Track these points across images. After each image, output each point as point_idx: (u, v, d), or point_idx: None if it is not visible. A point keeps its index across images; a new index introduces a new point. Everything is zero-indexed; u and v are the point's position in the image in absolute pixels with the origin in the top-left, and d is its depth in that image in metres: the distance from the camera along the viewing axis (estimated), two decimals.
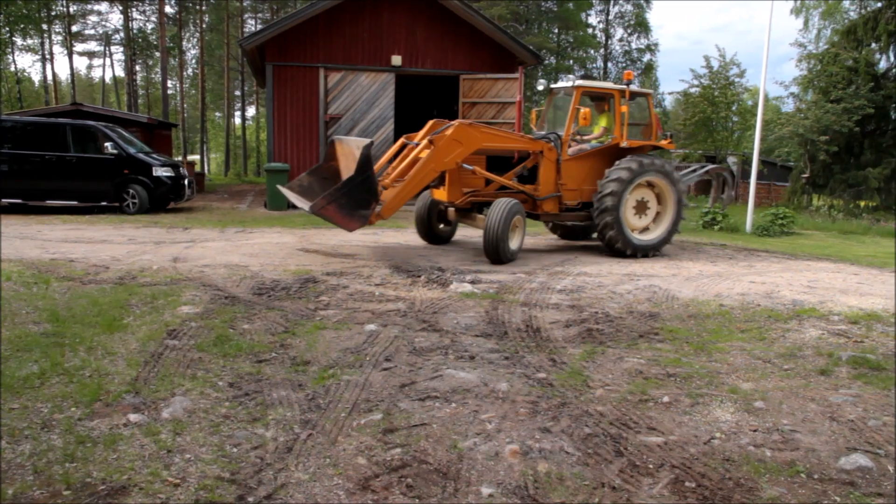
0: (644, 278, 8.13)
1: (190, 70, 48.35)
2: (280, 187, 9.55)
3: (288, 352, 4.82)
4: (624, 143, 10.00)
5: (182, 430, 3.42)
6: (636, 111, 10.61)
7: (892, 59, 24.59)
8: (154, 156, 14.77)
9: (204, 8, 40.50)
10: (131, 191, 13.72)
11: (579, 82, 10.00)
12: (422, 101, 21.80)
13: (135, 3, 38.57)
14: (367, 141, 8.62)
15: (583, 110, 9.33)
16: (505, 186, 9.77)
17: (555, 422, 3.61)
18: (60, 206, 13.96)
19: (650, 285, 7.62)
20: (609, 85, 10.53)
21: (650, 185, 10.08)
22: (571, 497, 2.85)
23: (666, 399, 4.00)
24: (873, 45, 24.03)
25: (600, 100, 10.40)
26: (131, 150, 13.92)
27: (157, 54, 39.19)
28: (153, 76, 50.11)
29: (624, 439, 3.42)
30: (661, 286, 7.59)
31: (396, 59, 16.52)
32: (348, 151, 9.13)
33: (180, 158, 29.66)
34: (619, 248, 9.85)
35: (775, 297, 7.08)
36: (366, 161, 7.82)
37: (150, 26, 42.18)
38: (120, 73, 49.10)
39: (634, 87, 10.22)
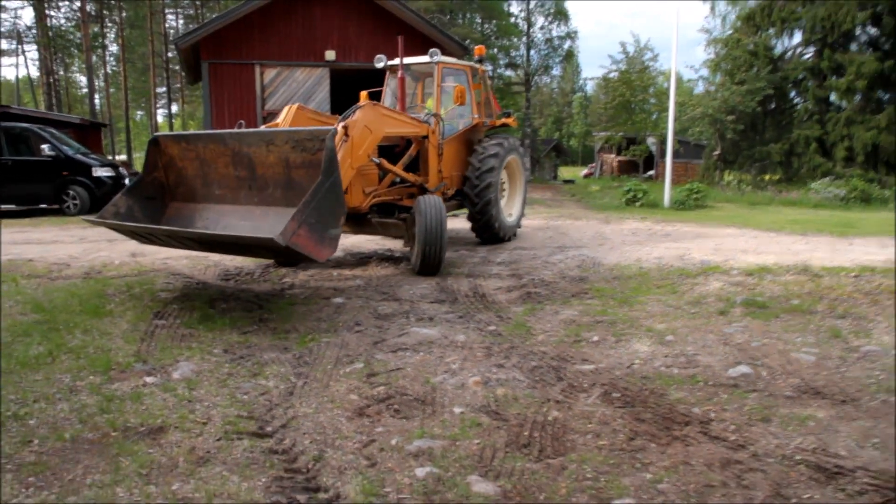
0: (573, 249, 9.07)
1: (109, 68, 46.80)
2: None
3: (268, 324, 5.43)
4: (486, 122, 9.52)
5: (195, 385, 4.02)
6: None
7: (786, 43, 26.66)
8: (93, 156, 14.78)
9: (123, 4, 39.32)
10: (71, 192, 13.75)
11: (439, 58, 8.92)
12: (356, 94, 22.24)
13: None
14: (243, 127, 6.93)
15: (457, 87, 8.55)
16: (395, 182, 8.22)
17: (507, 360, 4.41)
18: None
19: (579, 255, 8.55)
20: (464, 62, 9.91)
21: (506, 165, 9.64)
22: (525, 409, 3.63)
23: (595, 339, 4.86)
24: (770, 30, 25.98)
25: (449, 77, 9.34)
26: (69, 152, 13.94)
27: (75, 52, 37.91)
28: (70, 75, 48.29)
29: (563, 368, 4.24)
30: (589, 255, 8.52)
31: (330, 54, 16.98)
32: (183, 154, 6.55)
33: (121, 157, 29.03)
34: (497, 229, 9.31)
35: (686, 259, 8.12)
36: (332, 157, 5.33)
37: (64, 23, 40.69)
38: (34, 72, 47.12)
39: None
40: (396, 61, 9.15)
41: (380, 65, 9.36)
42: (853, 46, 24.52)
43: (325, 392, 3.91)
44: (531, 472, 2.94)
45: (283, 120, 7.27)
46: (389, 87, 9.73)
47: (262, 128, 7.23)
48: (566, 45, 41.86)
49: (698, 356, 4.45)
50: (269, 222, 5.85)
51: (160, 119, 53.55)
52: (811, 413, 3.50)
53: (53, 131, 14.82)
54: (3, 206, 13.75)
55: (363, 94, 9.21)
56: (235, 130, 6.57)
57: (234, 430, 3.39)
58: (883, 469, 2.89)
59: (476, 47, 9.90)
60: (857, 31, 24.36)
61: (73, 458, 3.07)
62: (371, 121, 7.16)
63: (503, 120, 10.06)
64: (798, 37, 26.17)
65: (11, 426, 3.40)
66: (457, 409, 3.63)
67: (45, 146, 13.66)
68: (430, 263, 7.23)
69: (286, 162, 5.83)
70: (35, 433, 3.32)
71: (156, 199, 6.72)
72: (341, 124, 6.75)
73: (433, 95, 9.27)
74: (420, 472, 2.93)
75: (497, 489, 2.78)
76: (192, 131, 7.17)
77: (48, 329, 5.13)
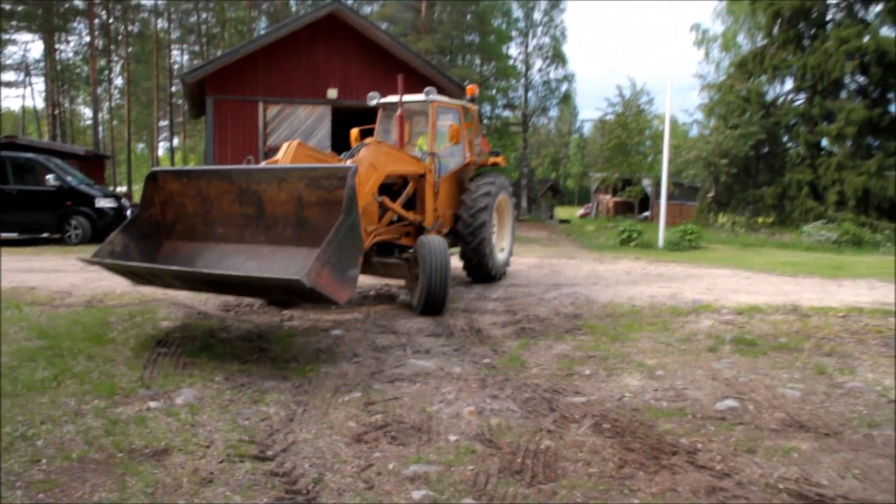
0: (567, 286, 9.22)
1: (113, 101, 47.44)
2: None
3: (267, 354, 5.54)
4: (477, 161, 9.63)
5: (197, 411, 4.12)
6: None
7: (777, 89, 27.32)
8: (96, 187, 15.01)
9: (129, 39, 40.14)
10: (74, 222, 13.93)
11: (434, 97, 8.92)
12: (368, 134, 22.66)
13: (58, 33, 37.86)
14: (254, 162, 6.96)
15: (452, 126, 8.75)
16: (392, 221, 8.15)
17: (501, 391, 4.53)
18: (1, 238, 13.99)
19: (573, 292, 8.70)
20: (457, 101, 9.85)
21: (497, 204, 9.55)
22: (518, 438, 3.74)
23: (587, 372, 4.99)
24: (762, 77, 26.64)
25: (441, 115, 9.39)
26: (73, 182, 14.16)
27: (80, 85, 38.55)
28: (75, 107, 48.97)
29: (555, 400, 4.36)
30: (583, 292, 8.68)
31: (332, 92, 17.38)
32: (184, 190, 6.26)
33: (121, 189, 29.33)
34: (489, 268, 9.27)
35: (679, 298, 8.28)
36: (353, 195, 5.18)
37: (71, 56, 41.46)
38: (39, 103, 47.81)
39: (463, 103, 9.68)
40: (388, 99, 9.32)
41: (372, 102, 9.36)
42: (843, 94, 25.13)
43: (325, 419, 4.02)
44: (523, 496, 3.04)
45: (284, 156, 6.98)
46: (381, 125, 9.63)
47: (263, 164, 7.16)
48: (563, 88, 42.73)
49: (687, 390, 4.58)
50: (278, 262, 5.73)
51: (161, 152, 54.14)
52: (795, 445, 3.62)
53: (58, 161, 15.08)
54: (5, 235, 13.90)
55: (354, 131, 9.33)
56: (243, 167, 6.53)
57: (236, 453, 3.49)
58: (862, 498, 3.01)
59: (468, 86, 9.92)
60: (847, 80, 25.00)
61: (81, 476, 3.17)
62: (376, 159, 7.17)
63: (493, 159, 10.08)
64: (789, 83, 26.86)
65: (20, 446, 3.50)
66: (452, 437, 3.74)
67: (49, 176, 13.88)
68: (434, 304, 7.08)
69: (299, 200, 5.63)
70: (43, 453, 3.42)
71: (151, 237, 6.35)
72: (349, 161, 6.80)
73: (424, 133, 9.30)
74: (416, 494, 3.03)
75: None
76: (193, 167, 6.82)
77: (53, 354, 5.24)
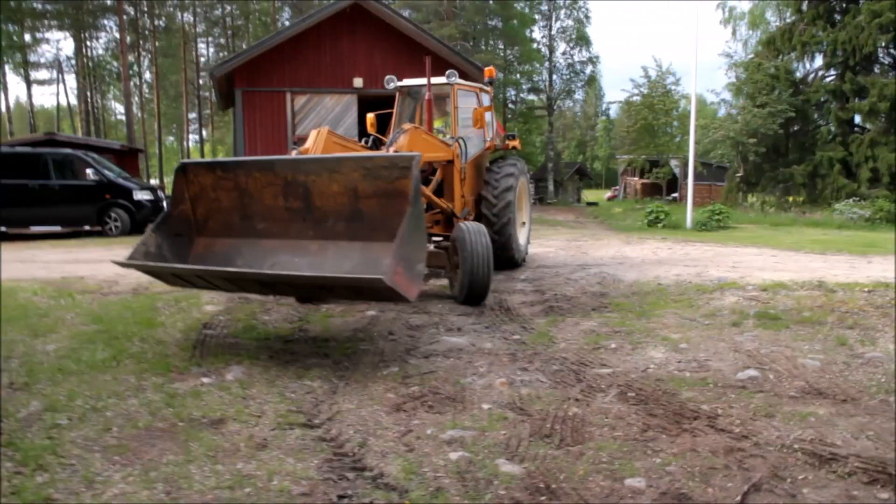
0: (594, 266, 9.40)
1: (143, 96, 48.36)
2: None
3: (308, 334, 5.85)
4: (500, 145, 9.52)
5: (247, 385, 4.43)
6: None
7: (807, 66, 26.88)
8: (133, 181, 15.51)
9: (157, 34, 40.88)
10: (113, 214, 14.44)
11: (456, 80, 8.88)
12: (384, 119, 22.95)
13: (88, 30, 38.73)
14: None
15: (476, 110, 8.68)
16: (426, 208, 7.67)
17: (530, 364, 4.77)
18: (44, 232, 14.57)
19: (600, 272, 8.88)
20: (476, 84, 9.89)
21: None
22: (547, 406, 3.98)
23: (613, 346, 5.20)
24: (791, 54, 26.22)
25: (461, 99, 9.24)
26: (111, 176, 14.67)
27: (110, 81, 39.41)
28: (107, 102, 50.07)
29: (582, 372, 4.58)
30: (609, 272, 8.85)
31: (358, 81, 17.64)
32: (218, 183, 5.82)
33: (153, 181, 30.09)
34: (513, 251, 9.17)
35: (704, 276, 8.41)
36: (419, 185, 4.97)
37: (101, 52, 42.41)
38: (72, 100, 49.01)
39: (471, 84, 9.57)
40: (407, 82, 9.31)
41: (391, 86, 9.33)
42: (875, 69, 24.64)
43: (365, 391, 4.30)
44: (552, 457, 3.28)
45: (315, 144, 6.81)
46: (399, 109, 9.48)
47: (294, 152, 7.11)
48: (588, 70, 42.40)
49: (709, 361, 4.76)
50: (330, 259, 5.42)
51: (191, 144, 55.11)
52: (812, 410, 3.80)
53: (96, 156, 15.59)
54: (49, 228, 14.47)
55: (370, 116, 9.19)
56: (287, 157, 6.25)
57: (286, 421, 3.79)
58: (873, 456, 3.18)
59: (486, 69, 9.75)
60: (880, 54, 24.50)
61: (149, 442, 3.49)
62: (416, 145, 6.98)
63: (510, 143, 10.04)
64: (819, 60, 26.42)
65: (91, 417, 3.83)
66: (485, 406, 3.99)
67: (89, 171, 14.40)
68: (478, 294, 6.81)
69: (354, 191, 5.25)
70: (112, 422, 3.75)
71: (182, 235, 5.92)
72: (392, 149, 6.68)
73: (441, 117, 9.20)
74: (453, 455, 3.29)
75: (522, 470, 3.13)
76: (229, 158, 6.05)
77: (109, 337, 5.60)
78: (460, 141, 8.56)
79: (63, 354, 5.10)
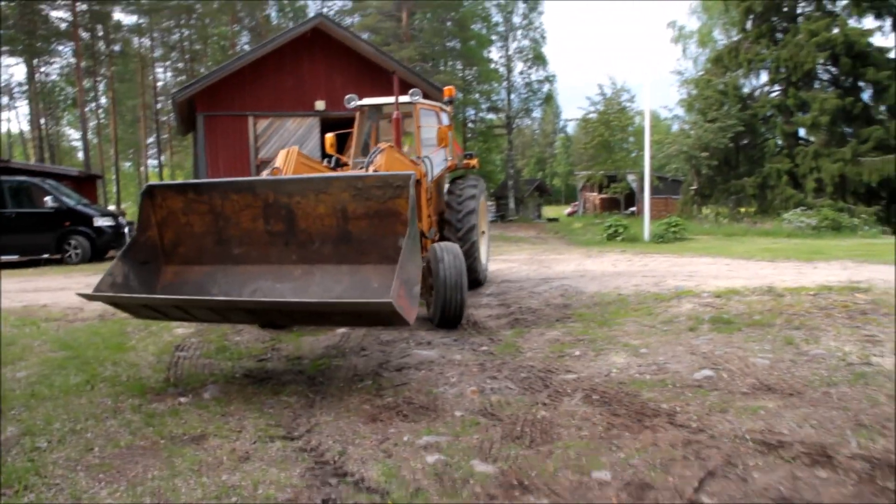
0: (557, 280, 9.69)
1: (98, 121, 47.63)
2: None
3: (280, 352, 5.96)
4: (460, 165, 9.51)
5: (225, 403, 4.53)
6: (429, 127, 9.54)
7: (753, 82, 28.05)
8: (92, 207, 15.33)
9: (112, 59, 40.41)
10: (73, 242, 14.26)
11: (418, 98, 8.76)
12: (343, 140, 23.11)
13: (41, 55, 38.07)
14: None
15: (441, 128, 8.62)
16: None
17: (499, 373, 4.97)
18: (2, 261, 14.28)
19: (562, 285, 9.16)
20: (436, 103, 9.81)
21: None
22: (517, 411, 4.17)
23: (577, 353, 5.44)
24: (738, 71, 27.34)
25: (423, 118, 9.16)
26: (71, 203, 14.49)
27: (63, 106, 38.74)
28: (59, 128, 49.08)
29: (549, 378, 4.80)
30: (572, 285, 9.14)
31: (320, 104, 17.81)
32: (189, 207, 5.46)
33: (110, 208, 29.56)
34: (478, 272, 9.08)
35: (662, 285, 8.75)
36: (415, 205, 4.79)
37: (55, 78, 41.68)
38: (24, 126, 47.91)
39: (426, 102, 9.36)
40: (366, 101, 9.21)
41: (351, 104, 9.11)
42: (816, 84, 25.84)
43: (341, 404, 4.44)
44: (524, 456, 3.48)
45: (286, 164, 6.67)
46: (360, 129, 9.29)
47: (265, 174, 6.66)
48: (545, 88, 43.31)
49: (668, 364, 5.03)
50: (316, 283, 5.19)
51: (148, 169, 54.32)
52: (762, 404, 4.08)
53: (54, 183, 15.38)
54: (6, 258, 14.19)
55: (329, 137, 9.04)
56: (269, 178, 5.89)
57: (266, 434, 3.91)
58: (816, 441, 3.46)
59: (446, 88, 9.74)
60: (819, 71, 25.71)
61: (132, 459, 3.58)
62: (392, 164, 6.91)
63: (468, 162, 10.03)
64: (764, 76, 27.59)
65: (71, 438, 3.89)
66: (458, 413, 4.17)
67: (47, 198, 14.21)
68: (452, 316, 6.58)
69: (342, 212, 5.04)
70: (93, 443, 3.82)
71: (149, 263, 5.52)
72: (371, 168, 6.63)
73: (404, 136, 8.86)
74: (430, 459, 3.46)
75: (496, 469, 3.32)
76: (202, 180, 5.43)
77: (81, 363, 5.62)
78: (426, 160, 8.60)
79: (35, 381, 5.11)
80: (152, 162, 52.87)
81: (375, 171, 6.50)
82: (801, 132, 26.72)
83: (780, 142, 26.88)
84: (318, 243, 5.23)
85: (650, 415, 3.99)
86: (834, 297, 7.28)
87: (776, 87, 26.97)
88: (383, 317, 4.42)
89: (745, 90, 28.00)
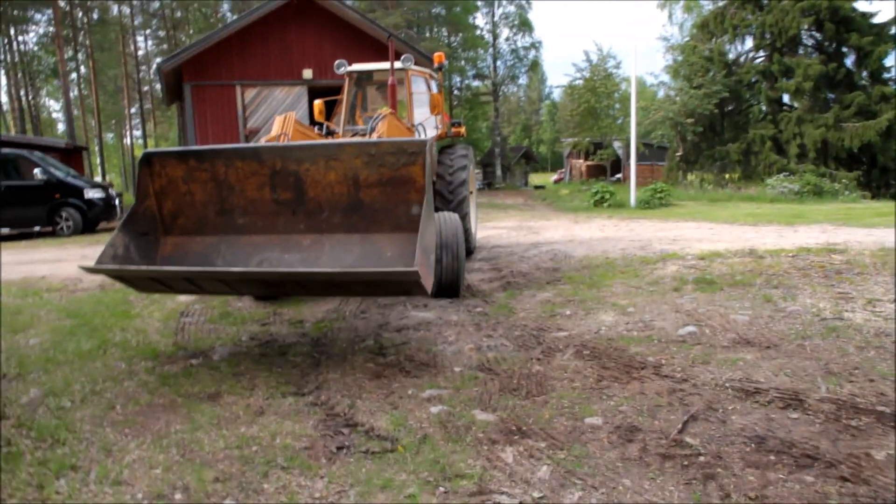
0: (546, 245, 9.95)
1: (79, 91, 46.94)
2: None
3: (282, 316, 6.18)
4: (449, 133, 9.35)
5: (234, 364, 4.76)
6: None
7: (738, 48, 28.16)
8: (82, 179, 15.32)
9: (93, 28, 39.66)
10: (64, 214, 14.29)
11: (410, 65, 8.63)
12: (331, 107, 23.06)
13: (18, 24, 37.29)
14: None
15: (433, 96, 8.54)
16: None
17: (494, 331, 5.23)
18: None
19: (551, 250, 9.42)
20: (426, 70, 9.75)
21: None
22: (512, 366, 4.44)
23: (568, 313, 5.71)
24: (724, 36, 27.42)
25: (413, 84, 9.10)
26: (60, 175, 14.49)
27: (43, 77, 38.11)
28: (40, 99, 48.29)
29: (542, 336, 5.07)
30: (561, 249, 9.40)
31: (307, 73, 17.76)
32: (190, 175, 5.20)
33: (96, 179, 29.37)
34: (469, 238, 8.84)
35: (648, 249, 9.04)
36: (430, 172, 4.77)
37: (34, 47, 40.90)
38: (2, 97, 47.09)
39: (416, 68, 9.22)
40: (356, 67, 9.15)
41: (341, 70, 9.02)
42: (800, 51, 26.00)
43: (346, 362, 4.68)
44: (521, 406, 3.75)
45: (283, 129, 6.45)
46: (349, 94, 9.16)
47: (262, 141, 6.36)
48: (531, 55, 43.12)
49: (654, 322, 5.32)
50: (326, 253, 5.06)
51: (132, 140, 53.69)
52: (741, 356, 4.38)
53: (42, 156, 15.33)
54: None
55: (318, 103, 8.93)
56: (276, 144, 5.69)
57: (278, 391, 4.15)
58: (789, 388, 3.76)
59: (436, 55, 9.62)
60: (803, 37, 25.86)
61: (154, 415, 3.81)
62: (393, 131, 6.81)
63: (456, 129, 9.97)
64: (749, 42, 27.69)
65: (92, 398, 4.11)
66: (457, 368, 4.44)
67: (36, 171, 14.18)
68: (450, 285, 6.45)
69: (354, 180, 4.90)
70: (115, 402, 4.04)
71: (148, 234, 5.29)
72: (375, 135, 6.52)
73: (401, 103, 8.79)
74: (434, 409, 3.72)
75: (496, 417, 3.59)
76: (204, 146, 5.09)
77: (90, 329, 5.82)
78: (419, 127, 8.60)
79: (48, 347, 5.30)
80: (136, 133, 52.27)
81: (380, 137, 6.42)
82: (785, 98, 26.95)
83: (764, 108, 27.14)
84: (327, 212, 5.08)
85: (637, 367, 4.27)
86: (812, 258, 7.59)
87: (761, 53, 27.14)
88: (404, 286, 4.33)
89: (731, 56, 28.15)
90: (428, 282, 4.18)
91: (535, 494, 2.76)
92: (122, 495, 2.91)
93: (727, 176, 27.41)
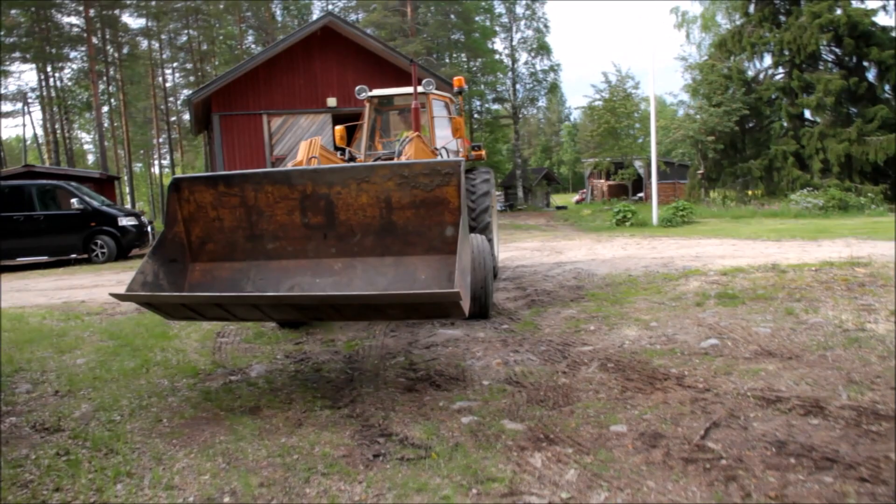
0: (569, 264, 10.08)
1: (110, 123, 48.35)
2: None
3: (314, 336, 6.40)
4: (471, 157, 9.43)
5: (271, 380, 4.97)
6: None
7: (757, 65, 28.21)
8: (116, 207, 15.83)
9: (122, 62, 41.00)
10: (99, 241, 14.75)
11: (432, 89, 8.83)
12: (352, 133, 23.53)
13: (53, 61, 38.70)
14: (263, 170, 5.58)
15: (455, 119, 8.63)
16: None
17: (520, 347, 5.39)
18: (31, 262, 14.83)
19: (575, 268, 9.56)
20: (446, 94, 9.86)
21: None
22: (539, 379, 4.59)
23: (592, 328, 5.85)
24: (742, 55, 27.51)
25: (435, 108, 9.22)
26: (96, 204, 14.98)
27: (76, 110, 39.36)
28: (73, 132, 49.82)
29: (567, 350, 5.22)
30: (584, 268, 9.53)
31: (332, 101, 18.23)
32: (219, 200, 5.17)
33: (131, 207, 30.15)
34: (495, 260, 8.62)
35: (670, 266, 9.13)
36: (464, 192, 4.69)
37: (68, 82, 42.36)
38: (37, 130, 48.66)
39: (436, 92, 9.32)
40: (377, 92, 9.31)
41: (362, 95, 9.16)
42: (820, 66, 25.98)
43: (378, 378, 4.87)
44: (548, 416, 3.89)
45: (310, 152, 6.69)
46: (369, 119, 9.30)
47: (289, 165, 6.44)
48: (550, 78, 43.51)
49: (677, 335, 5.43)
50: (359, 277, 4.98)
51: (158, 170, 55.02)
52: (763, 367, 4.48)
53: (79, 186, 15.89)
54: (36, 259, 14.72)
55: (338, 129, 9.08)
56: (306, 167, 5.69)
57: (315, 405, 4.35)
58: (810, 396, 3.86)
59: (455, 79, 9.62)
60: (823, 52, 25.85)
61: (199, 428, 4.02)
62: (420, 154, 6.92)
63: (476, 153, 10.03)
64: (768, 59, 27.72)
65: (140, 413, 4.34)
66: (485, 382, 4.60)
67: (73, 200, 14.70)
68: (480, 306, 6.44)
69: (386, 202, 4.82)
70: (161, 415, 4.27)
71: (178, 261, 5.26)
72: (403, 158, 6.60)
73: (422, 126, 8.72)
74: (465, 420, 3.89)
75: (524, 426, 3.74)
76: (233, 171, 5.06)
77: (131, 350, 6.08)
78: (443, 150, 8.78)
79: (94, 366, 5.57)
80: (164, 162, 53.57)
81: (407, 160, 6.44)
82: (807, 113, 26.86)
83: (785, 123, 27.06)
84: (359, 235, 5.00)
85: (661, 378, 4.39)
86: (835, 271, 7.64)
87: (780, 70, 27.13)
88: (444, 308, 4.19)
89: (750, 73, 28.17)
90: (466, 303, 4.09)
91: (564, 495, 2.91)
92: (174, 498, 3.11)
93: (750, 192, 27.29)
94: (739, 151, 27.63)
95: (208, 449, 3.68)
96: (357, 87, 9.28)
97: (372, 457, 3.48)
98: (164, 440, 3.84)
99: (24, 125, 48.04)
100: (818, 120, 26.06)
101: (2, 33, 31.36)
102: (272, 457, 3.54)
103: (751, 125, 27.86)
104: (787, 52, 25.76)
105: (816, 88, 24.49)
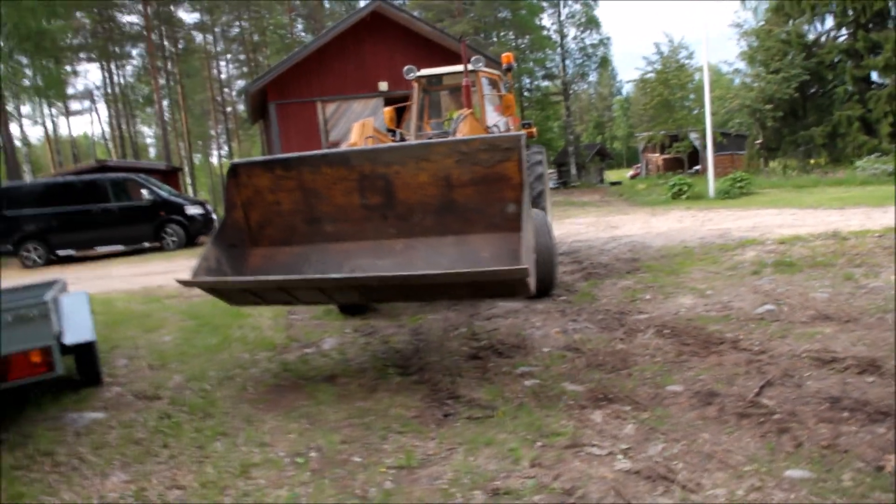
0: (624, 238, 10.15)
1: (168, 116, 50.14)
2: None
3: (379, 311, 6.72)
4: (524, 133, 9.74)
5: (343, 352, 5.32)
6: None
7: (818, 28, 27.07)
8: (182, 197, 16.58)
9: (179, 56, 42.40)
10: (169, 230, 15.51)
11: (481, 66, 8.66)
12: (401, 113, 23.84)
13: (116, 59, 40.36)
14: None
15: (505, 97, 8.45)
16: None
17: (578, 316, 5.58)
18: (107, 251, 15.74)
19: (630, 242, 9.63)
20: (496, 71, 9.71)
21: None
22: (597, 345, 4.78)
23: (648, 297, 5.99)
24: (801, 17, 26.45)
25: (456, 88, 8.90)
26: (164, 195, 15.74)
27: (137, 105, 40.95)
28: (136, 126, 51.87)
29: (623, 318, 5.38)
30: (639, 241, 9.59)
31: (383, 85, 18.52)
32: (277, 184, 5.09)
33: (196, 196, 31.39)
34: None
35: (726, 237, 9.11)
36: (525, 168, 4.52)
37: (130, 79, 44.13)
38: (104, 127, 50.84)
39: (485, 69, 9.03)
40: (425, 71, 9.22)
41: (410, 75, 8.98)
42: (889, 24, 24.77)
43: (443, 348, 5.15)
44: (607, 378, 4.10)
45: (361, 135, 6.82)
46: (418, 99, 9.19)
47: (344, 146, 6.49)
48: (600, 52, 42.72)
49: (732, 302, 5.53)
50: (420, 257, 4.87)
51: (216, 159, 56.74)
52: (820, 330, 4.56)
53: (147, 178, 16.70)
54: (112, 248, 15.61)
55: (387, 110, 9.02)
56: (364, 147, 5.61)
57: (385, 373, 4.66)
58: (866, 356, 3.94)
59: (504, 55, 9.52)
60: (891, 9, 24.63)
61: (282, 394, 4.39)
62: (475, 132, 7.00)
63: (527, 130, 9.62)
64: (830, 21, 26.56)
65: (227, 382, 4.74)
66: (545, 349, 4.82)
67: (144, 191, 15.48)
68: (545, 287, 6.27)
69: (446, 180, 4.71)
70: (246, 385, 4.66)
71: (237, 246, 5.21)
72: (458, 135, 6.59)
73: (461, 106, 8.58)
74: (527, 383, 4.13)
75: (584, 388, 3.95)
76: (290, 154, 5.05)
77: (211, 328, 6.54)
78: (494, 128, 8.67)
79: (179, 343, 6.04)
80: (221, 152, 55.22)
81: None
82: (874, 75, 25.70)
83: (849, 88, 25.93)
84: (419, 214, 4.89)
85: (716, 342, 4.53)
86: None
87: (843, 31, 25.99)
88: (511, 286, 4.07)
89: (810, 37, 27.08)
90: (532, 280, 3.96)
91: (622, 446, 3.12)
92: (267, 454, 3.46)
93: (812, 161, 26.39)
94: (800, 119, 26.68)
95: (292, 412, 4.04)
96: (405, 68, 9.26)
97: (442, 416, 3.76)
98: (251, 405, 4.22)
99: (91, 122, 50.37)
100: (886, 82, 24.90)
101: (69, 35, 32.84)
102: (351, 418, 3.86)
103: (812, 91, 26.83)
104: (850, 12, 24.65)
105: (885, 48, 23.39)
